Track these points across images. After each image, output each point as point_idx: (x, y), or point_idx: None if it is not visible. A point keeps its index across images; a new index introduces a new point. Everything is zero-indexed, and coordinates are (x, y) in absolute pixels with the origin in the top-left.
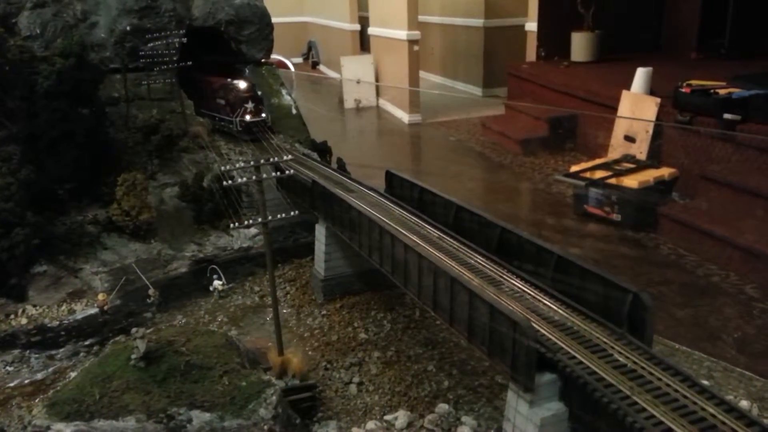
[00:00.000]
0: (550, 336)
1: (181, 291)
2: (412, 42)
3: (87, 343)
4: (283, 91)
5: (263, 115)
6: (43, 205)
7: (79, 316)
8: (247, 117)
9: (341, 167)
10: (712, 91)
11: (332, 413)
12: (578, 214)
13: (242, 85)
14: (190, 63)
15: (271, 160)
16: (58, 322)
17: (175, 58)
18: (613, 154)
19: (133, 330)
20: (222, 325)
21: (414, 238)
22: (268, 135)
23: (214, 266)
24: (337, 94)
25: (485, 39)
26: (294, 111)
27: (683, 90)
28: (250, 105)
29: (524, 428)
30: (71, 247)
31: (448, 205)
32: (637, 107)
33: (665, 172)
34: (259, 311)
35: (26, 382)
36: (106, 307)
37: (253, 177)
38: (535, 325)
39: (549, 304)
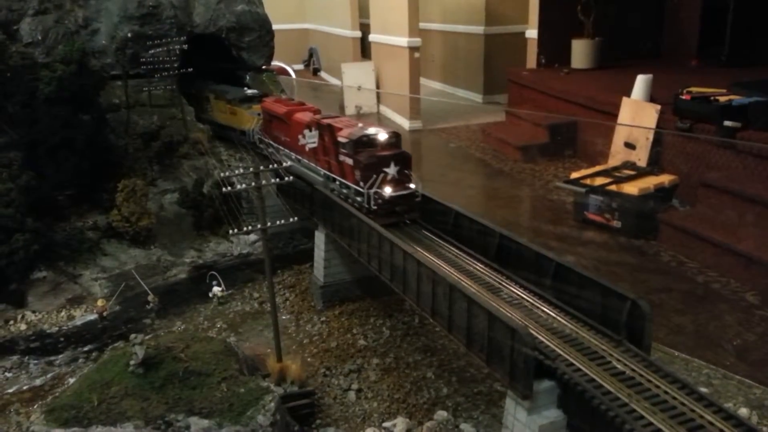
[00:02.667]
0: (549, 343)
1: (181, 297)
2: (412, 49)
3: (86, 349)
4: (283, 97)
5: (412, 185)
6: (43, 211)
7: (78, 322)
8: (388, 189)
9: None
10: (712, 98)
11: (331, 420)
12: (578, 220)
13: (382, 136)
14: (191, 69)
15: (270, 166)
16: (57, 328)
17: (176, 65)
18: (613, 161)
19: (132, 336)
20: (221, 332)
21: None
22: (417, 217)
23: (214, 272)
24: (338, 101)
25: (486, 46)
26: None
27: (683, 97)
28: (392, 169)
29: None
30: (71, 253)
31: (447, 212)
32: (637, 114)
33: (665, 179)
34: (259, 317)
35: (25, 388)
36: (105, 313)
37: (253, 183)
38: (533, 332)
39: (547, 311)
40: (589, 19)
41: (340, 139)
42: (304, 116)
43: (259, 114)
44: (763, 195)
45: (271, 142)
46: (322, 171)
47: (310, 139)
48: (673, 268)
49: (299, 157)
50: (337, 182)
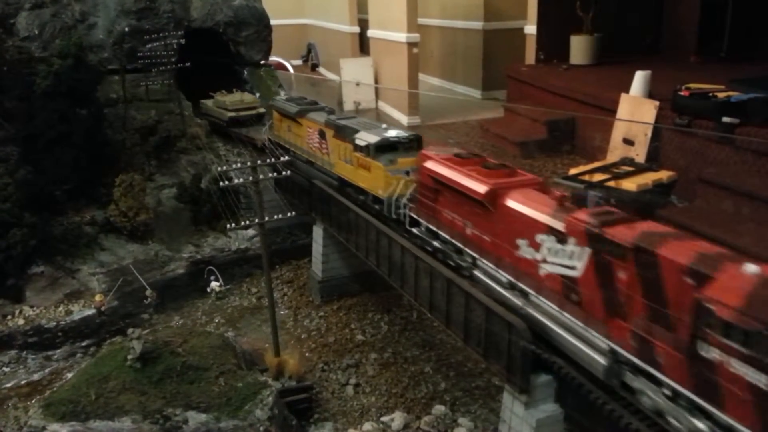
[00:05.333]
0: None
1: (179, 292)
2: (411, 44)
3: (84, 344)
4: (282, 93)
5: None
6: (40, 205)
7: (76, 317)
8: None
9: None
10: (710, 94)
11: (329, 414)
12: None
13: None
14: (188, 64)
15: (268, 161)
16: (55, 323)
17: (173, 60)
18: (612, 157)
19: (129, 331)
20: (219, 327)
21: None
22: None
23: (212, 267)
24: (336, 96)
25: (484, 42)
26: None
27: (682, 93)
28: None
29: (520, 429)
30: (69, 248)
31: None
32: (636, 110)
33: (664, 174)
34: (257, 312)
35: (23, 382)
36: (103, 308)
37: (250, 178)
38: None
39: None
40: (588, 15)
41: (725, 316)
42: (534, 204)
43: (407, 173)
44: (761, 191)
45: (439, 231)
46: (606, 342)
47: (560, 259)
48: None
49: (519, 283)
50: (664, 387)
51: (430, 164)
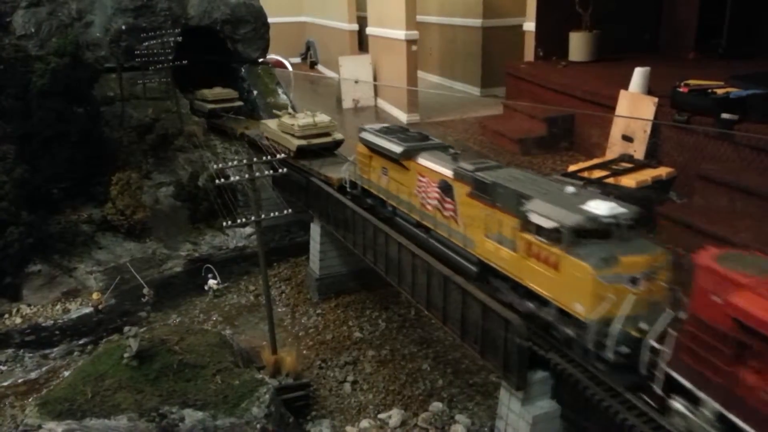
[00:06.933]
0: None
1: (176, 290)
2: (410, 42)
3: (81, 342)
4: (280, 91)
5: None
6: (37, 204)
7: (73, 315)
8: None
9: None
10: (709, 90)
11: (326, 412)
12: None
13: None
14: (185, 62)
15: (264, 158)
16: (52, 322)
17: (170, 57)
18: (611, 153)
19: (126, 329)
20: (216, 324)
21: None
22: None
23: (209, 265)
24: (335, 94)
25: (483, 39)
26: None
27: (681, 90)
28: None
29: (517, 426)
30: (66, 247)
31: None
32: (635, 107)
33: (663, 171)
34: (254, 310)
35: (20, 381)
36: (100, 307)
37: (246, 176)
38: None
39: None
40: (587, 12)
41: None
42: None
43: (634, 280)
44: (760, 186)
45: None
46: None
47: None
48: (671, 260)
49: None
50: None
51: (740, 300)
